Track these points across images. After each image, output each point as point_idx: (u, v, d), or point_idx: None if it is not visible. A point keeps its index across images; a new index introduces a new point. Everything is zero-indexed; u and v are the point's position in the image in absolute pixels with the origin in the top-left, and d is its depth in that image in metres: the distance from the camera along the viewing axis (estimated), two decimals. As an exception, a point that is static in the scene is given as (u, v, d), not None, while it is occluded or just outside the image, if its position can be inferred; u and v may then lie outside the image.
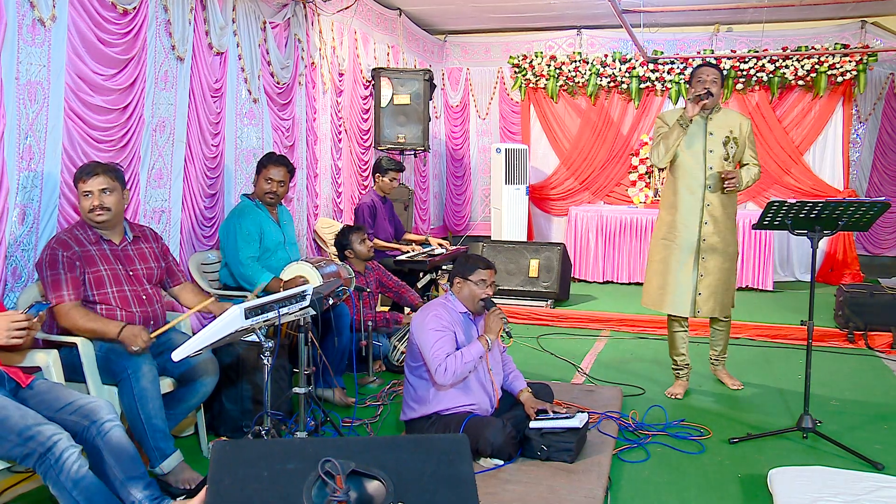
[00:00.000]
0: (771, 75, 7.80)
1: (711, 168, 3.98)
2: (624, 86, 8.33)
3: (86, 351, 2.85)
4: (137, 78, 3.80)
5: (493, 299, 3.28)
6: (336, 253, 4.76)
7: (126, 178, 3.26)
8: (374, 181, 5.80)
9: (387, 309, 5.70)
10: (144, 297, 3.09)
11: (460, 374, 3.10)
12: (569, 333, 5.80)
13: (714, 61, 7.91)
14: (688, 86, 4.13)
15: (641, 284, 7.51)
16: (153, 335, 2.93)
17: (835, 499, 2.68)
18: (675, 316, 4.19)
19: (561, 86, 8.58)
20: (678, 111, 4.01)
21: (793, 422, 3.61)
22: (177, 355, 2.52)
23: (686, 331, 4.24)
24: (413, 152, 7.24)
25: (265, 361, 2.76)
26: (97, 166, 3.00)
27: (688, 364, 4.29)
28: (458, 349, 3.14)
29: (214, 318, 2.76)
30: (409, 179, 7.90)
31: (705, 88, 3.91)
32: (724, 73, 4.22)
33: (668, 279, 4.09)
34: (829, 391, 4.31)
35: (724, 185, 3.94)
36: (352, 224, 5.31)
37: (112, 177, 3.00)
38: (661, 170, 5.66)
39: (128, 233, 3.15)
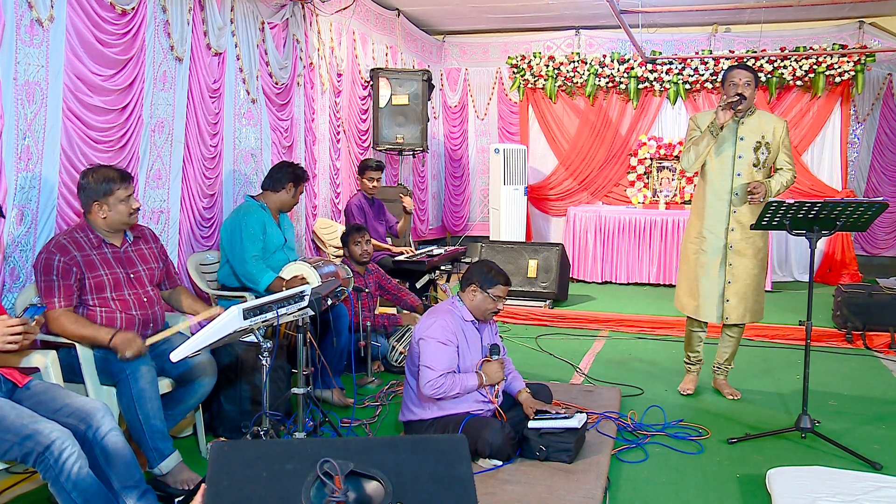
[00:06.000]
0: (769, 75, 7.81)
1: (740, 175, 3.86)
2: (622, 86, 8.34)
3: (84, 352, 2.84)
4: (136, 78, 3.80)
5: (500, 346, 3.32)
6: (335, 254, 4.76)
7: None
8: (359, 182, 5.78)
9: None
10: (146, 299, 3.07)
11: (447, 395, 3.13)
12: (567, 334, 5.80)
13: (712, 62, 7.93)
14: (721, 87, 3.97)
15: (640, 285, 7.62)
16: (147, 342, 2.89)
17: (833, 499, 2.69)
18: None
19: (559, 86, 8.58)
20: (711, 113, 3.87)
21: (791, 422, 3.61)
22: (175, 356, 2.52)
23: (704, 331, 4.20)
24: (411, 153, 7.24)
25: (264, 362, 2.76)
26: (124, 171, 3.03)
27: (700, 360, 4.27)
28: (458, 364, 3.17)
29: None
30: (407, 180, 7.90)
31: (738, 94, 3.77)
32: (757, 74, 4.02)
33: (696, 284, 4.02)
34: (828, 391, 4.32)
35: (749, 199, 3.83)
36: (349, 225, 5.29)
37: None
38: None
39: (128, 234, 3.12)
